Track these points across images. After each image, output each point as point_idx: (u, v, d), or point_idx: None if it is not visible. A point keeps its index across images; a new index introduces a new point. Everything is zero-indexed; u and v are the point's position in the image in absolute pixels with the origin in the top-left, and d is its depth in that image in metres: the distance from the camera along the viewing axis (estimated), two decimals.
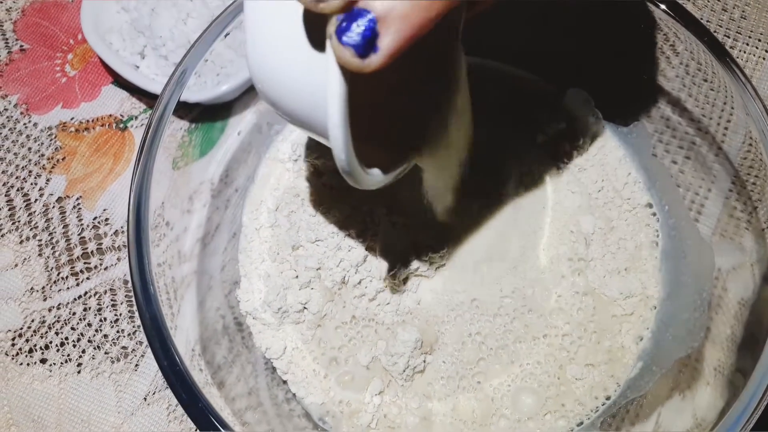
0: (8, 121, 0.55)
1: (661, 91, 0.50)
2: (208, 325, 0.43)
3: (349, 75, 0.23)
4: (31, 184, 0.53)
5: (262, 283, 0.43)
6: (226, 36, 0.43)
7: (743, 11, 0.57)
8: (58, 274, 0.49)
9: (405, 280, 0.43)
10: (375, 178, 0.32)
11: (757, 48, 0.56)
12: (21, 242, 0.51)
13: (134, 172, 0.36)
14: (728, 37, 0.57)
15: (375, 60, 0.22)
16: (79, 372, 0.47)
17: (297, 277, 0.42)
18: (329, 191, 0.45)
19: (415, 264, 0.42)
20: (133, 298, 0.37)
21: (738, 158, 0.45)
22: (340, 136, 0.25)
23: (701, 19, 0.57)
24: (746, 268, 0.41)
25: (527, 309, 0.43)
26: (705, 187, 0.47)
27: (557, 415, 0.41)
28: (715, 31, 0.57)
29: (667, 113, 0.49)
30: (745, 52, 0.56)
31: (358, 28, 0.21)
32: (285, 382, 0.42)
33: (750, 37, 0.56)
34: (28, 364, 0.47)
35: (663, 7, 0.42)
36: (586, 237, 0.44)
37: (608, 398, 0.41)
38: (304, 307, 0.42)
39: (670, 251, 0.45)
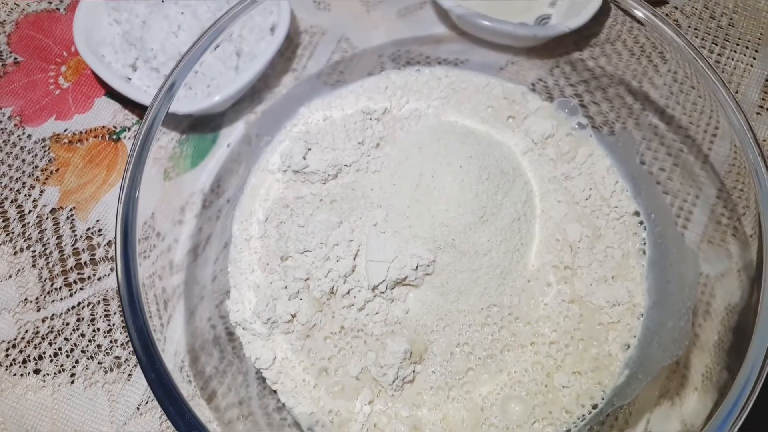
0: (2, 133, 0.55)
1: (648, 98, 0.50)
2: (198, 335, 0.43)
3: None
4: (25, 195, 0.53)
5: (252, 293, 0.44)
6: (216, 48, 0.43)
7: (731, 19, 0.58)
8: (52, 285, 0.50)
9: (393, 290, 0.43)
10: None
11: (744, 55, 0.56)
12: (15, 253, 0.51)
13: (122, 185, 0.37)
14: (716, 44, 0.57)
15: None
16: (72, 382, 0.47)
17: (286, 287, 0.43)
18: (318, 202, 0.46)
19: (403, 273, 0.42)
20: None
21: (725, 166, 0.45)
22: None
23: (689, 27, 0.58)
24: (733, 274, 0.41)
25: (514, 317, 0.43)
26: (693, 194, 0.47)
27: (545, 422, 0.41)
28: (703, 39, 0.57)
29: (654, 121, 0.50)
30: (733, 59, 0.56)
31: None
32: (275, 391, 0.43)
33: (738, 44, 0.57)
34: (21, 375, 0.47)
35: (650, 14, 0.43)
36: (572, 245, 0.45)
37: (595, 407, 0.41)
38: (293, 318, 0.42)
39: (656, 259, 0.45)
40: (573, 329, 0.43)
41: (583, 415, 0.41)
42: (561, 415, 0.41)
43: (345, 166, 0.46)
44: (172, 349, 0.40)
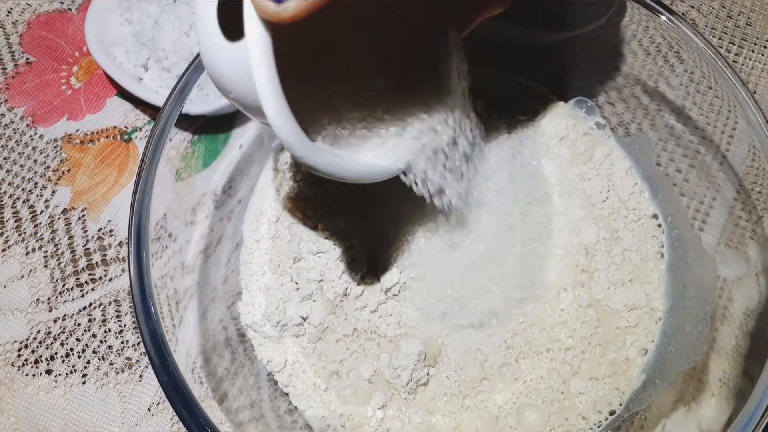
0: (14, 133, 0.55)
1: (665, 99, 0.49)
2: (210, 336, 0.43)
3: (271, 27, 0.23)
4: (37, 195, 0.53)
5: (262, 296, 0.43)
6: None
7: (748, 18, 0.57)
8: (64, 286, 0.50)
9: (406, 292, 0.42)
10: (328, 155, 0.29)
11: (762, 55, 0.56)
12: (27, 254, 0.51)
13: (135, 187, 0.36)
14: (733, 44, 0.56)
15: (291, 6, 0.22)
16: (84, 383, 0.47)
17: (298, 289, 0.42)
18: (331, 202, 0.45)
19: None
20: None
21: (743, 167, 0.44)
22: (269, 91, 0.23)
23: (706, 26, 0.57)
24: (751, 278, 0.41)
25: (529, 323, 0.42)
26: (710, 196, 0.47)
27: (561, 430, 0.40)
28: (720, 39, 0.56)
29: (671, 122, 0.49)
30: (750, 59, 0.56)
31: None
32: (287, 394, 0.42)
33: (755, 44, 0.56)
34: (33, 375, 0.47)
35: (667, 14, 0.42)
36: (588, 248, 0.44)
37: (612, 413, 0.41)
38: (304, 320, 0.42)
39: (674, 263, 0.44)
40: (590, 334, 0.42)
41: (600, 422, 0.40)
42: (578, 421, 0.40)
43: None
44: (184, 350, 0.40)
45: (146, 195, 0.36)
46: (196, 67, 0.41)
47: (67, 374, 0.47)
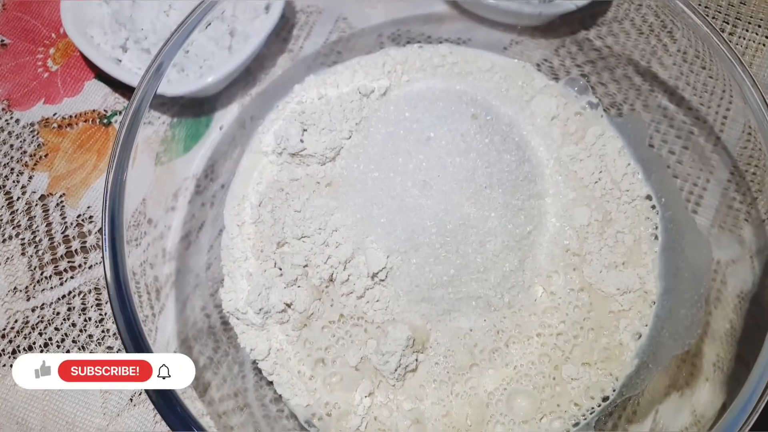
0: None
1: (657, 79, 0.49)
2: (192, 325, 0.42)
3: None
4: (13, 181, 0.51)
5: (245, 282, 0.42)
6: (207, 27, 0.42)
7: None
8: (42, 274, 0.48)
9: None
10: None
11: (757, 34, 0.55)
12: (3, 241, 0.49)
13: (108, 169, 0.35)
14: (727, 23, 0.55)
15: None
16: None
17: (282, 274, 0.41)
18: (315, 185, 0.44)
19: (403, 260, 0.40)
20: None
21: (737, 148, 0.44)
22: None
23: (699, 5, 0.56)
24: (746, 260, 0.40)
25: (518, 308, 0.41)
26: (703, 177, 0.46)
27: (553, 416, 0.39)
28: (714, 17, 0.55)
29: (664, 102, 0.48)
30: (744, 38, 0.55)
31: None
32: (271, 383, 0.41)
33: (749, 23, 0.55)
34: (11, 366, 0.46)
35: None
36: (579, 231, 0.43)
37: (605, 399, 0.40)
38: (288, 307, 0.41)
39: (667, 245, 0.43)
40: (582, 318, 0.41)
41: (593, 408, 0.40)
42: (570, 408, 0.40)
43: (343, 148, 0.45)
44: (165, 339, 0.39)
45: (120, 178, 0.34)
46: (172, 45, 0.39)
47: None
